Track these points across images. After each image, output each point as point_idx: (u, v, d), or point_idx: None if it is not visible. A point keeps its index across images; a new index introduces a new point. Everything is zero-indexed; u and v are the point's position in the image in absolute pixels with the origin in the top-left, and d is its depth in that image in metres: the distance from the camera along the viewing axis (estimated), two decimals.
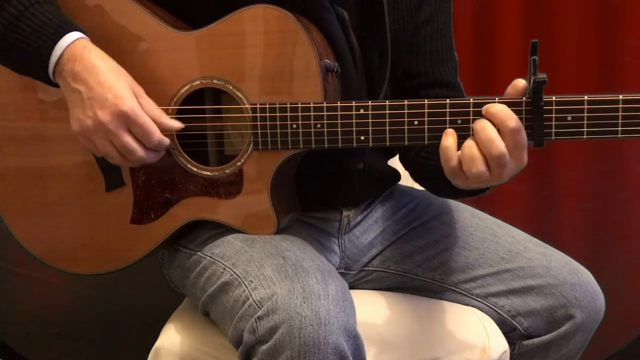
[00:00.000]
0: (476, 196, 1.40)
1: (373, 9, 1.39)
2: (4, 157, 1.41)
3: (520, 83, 1.22)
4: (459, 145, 1.22)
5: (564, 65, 2.16)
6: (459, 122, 1.23)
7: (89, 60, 1.24)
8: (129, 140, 1.25)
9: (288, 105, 1.28)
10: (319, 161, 1.39)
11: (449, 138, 1.22)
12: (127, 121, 1.24)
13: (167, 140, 1.28)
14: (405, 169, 1.55)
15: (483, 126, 1.20)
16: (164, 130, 1.28)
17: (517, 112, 1.21)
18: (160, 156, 1.31)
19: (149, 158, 1.28)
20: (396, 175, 1.59)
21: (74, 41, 1.25)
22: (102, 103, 1.23)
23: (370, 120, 1.26)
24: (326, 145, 1.28)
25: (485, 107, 1.21)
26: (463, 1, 2.13)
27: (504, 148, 1.18)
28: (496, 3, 2.17)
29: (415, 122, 1.25)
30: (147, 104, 1.27)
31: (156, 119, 1.27)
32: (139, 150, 1.26)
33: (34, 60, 1.26)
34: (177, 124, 1.30)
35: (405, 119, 1.25)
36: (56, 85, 1.28)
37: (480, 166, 1.19)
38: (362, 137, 1.27)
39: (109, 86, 1.24)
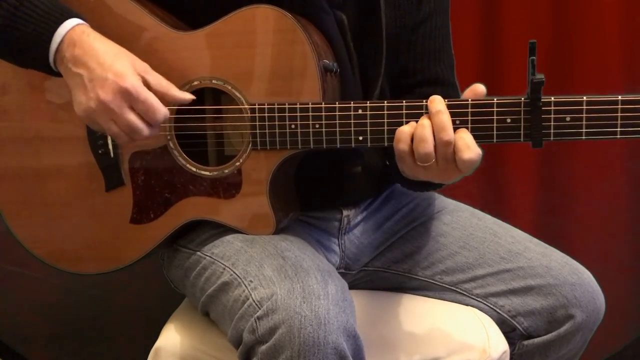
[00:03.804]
0: (432, 190, 1.44)
1: (372, 9, 1.39)
2: (4, 157, 1.41)
3: (479, 88, 1.23)
4: None
5: (565, 65, 2.16)
6: (457, 122, 1.23)
7: (88, 44, 1.24)
8: (132, 118, 1.24)
9: (287, 106, 1.28)
10: (319, 160, 1.39)
11: (407, 126, 1.23)
12: (129, 98, 1.23)
13: (168, 113, 1.27)
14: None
15: (439, 110, 1.21)
16: (175, 102, 1.28)
17: (515, 112, 1.21)
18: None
19: (153, 134, 1.27)
20: None
21: (73, 27, 1.25)
22: (102, 83, 1.22)
23: (368, 120, 1.26)
24: (324, 146, 1.28)
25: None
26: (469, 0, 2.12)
27: (453, 137, 1.20)
28: (502, 1, 2.16)
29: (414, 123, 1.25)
30: (154, 79, 1.26)
31: (165, 92, 1.26)
32: (144, 130, 1.25)
33: (34, 49, 1.26)
34: (187, 96, 1.29)
35: (404, 120, 1.25)
36: (58, 74, 1.28)
37: (428, 147, 1.20)
38: (361, 138, 1.27)
39: (108, 65, 1.23)
